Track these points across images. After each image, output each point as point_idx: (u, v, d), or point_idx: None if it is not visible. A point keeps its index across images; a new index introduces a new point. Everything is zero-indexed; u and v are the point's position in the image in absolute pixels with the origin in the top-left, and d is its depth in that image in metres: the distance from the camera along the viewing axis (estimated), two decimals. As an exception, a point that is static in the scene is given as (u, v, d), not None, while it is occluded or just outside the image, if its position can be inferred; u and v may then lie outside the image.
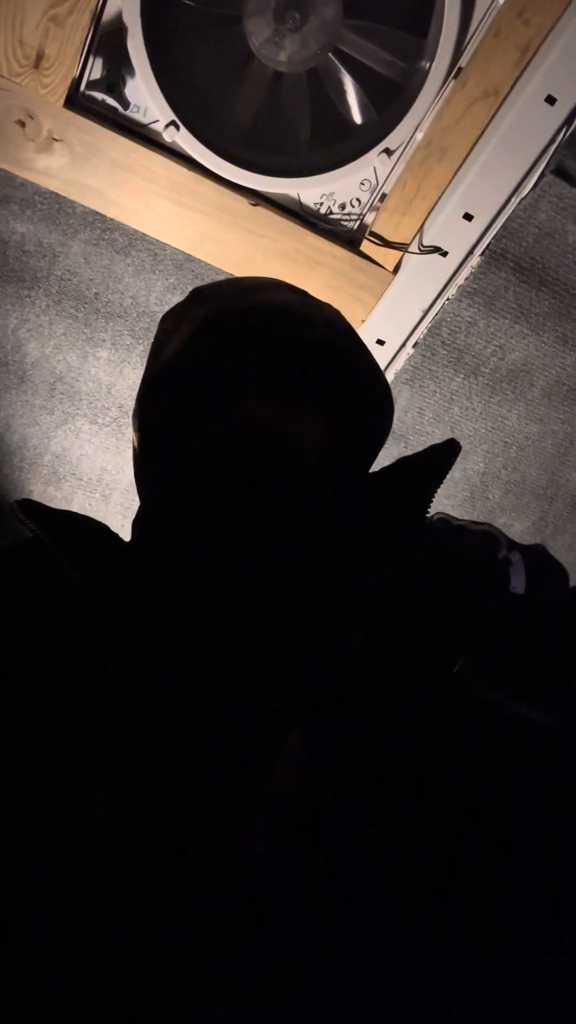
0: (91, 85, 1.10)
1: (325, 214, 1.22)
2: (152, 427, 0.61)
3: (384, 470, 0.61)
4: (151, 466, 0.62)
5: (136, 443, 0.63)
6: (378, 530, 0.57)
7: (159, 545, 0.57)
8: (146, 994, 0.46)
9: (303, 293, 0.65)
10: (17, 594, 0.60)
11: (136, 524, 0.60)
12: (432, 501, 0.58)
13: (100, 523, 0.60)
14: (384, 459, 0.64)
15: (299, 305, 0.61)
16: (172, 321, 0.64)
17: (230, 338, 0.58)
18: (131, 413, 0.63)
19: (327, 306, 0.64)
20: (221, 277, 1.32)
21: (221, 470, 0.54)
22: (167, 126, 1.10)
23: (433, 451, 0.59)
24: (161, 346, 0.63)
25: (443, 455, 0.59)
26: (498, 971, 0.48)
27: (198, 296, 0.65)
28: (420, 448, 0.61)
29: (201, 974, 0.47)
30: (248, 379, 0.56)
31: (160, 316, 0.67)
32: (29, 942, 0.47)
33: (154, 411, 0.61)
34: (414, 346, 1.37)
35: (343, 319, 0.64)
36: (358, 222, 1.23)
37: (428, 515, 0.62)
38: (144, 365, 0.67)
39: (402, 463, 0.60)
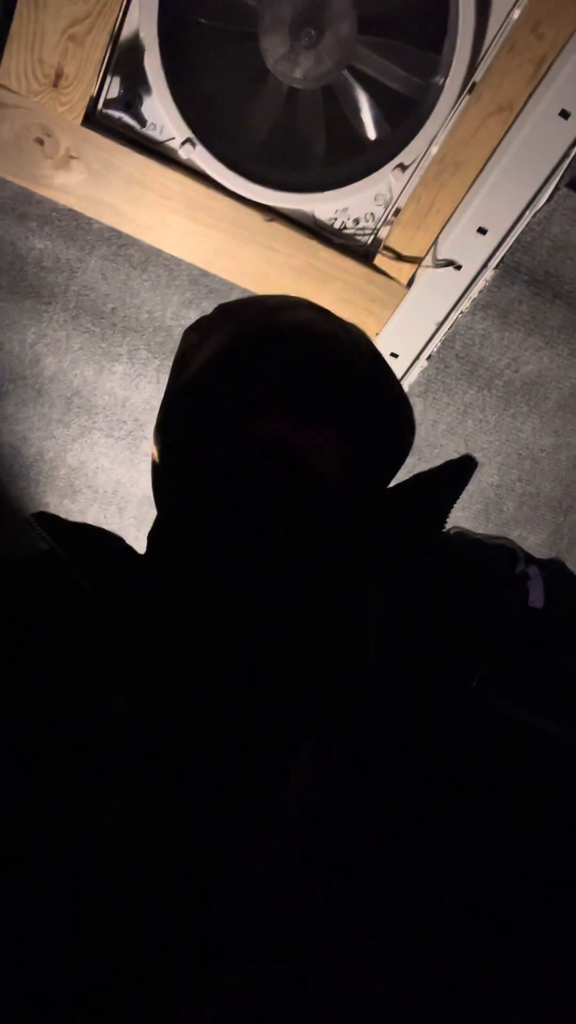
0: (108, 103, 1.11)
1: (339, 229, 1.23)
2: (173, 440, 0.62)
3: (400, 485, 0.61)
4: (170, 479, 0.63)
5: (156, 455, 0.64)
6: (392, 544, 0.57)
7: (174, 556, 0.57)
8: (155, 1008, 0.46)
9: (328, 313, 0.66)
10: (31, 605, 0.60)
11: (152, 535, 0.60)
12: (448, 516, 0.58)
13: (115, 535, 0.61)
14: (400, 473, 0.64)
15: (324, 324, 0.62)
16: (197, 336, 0.65)
17: (253, 356, 0.58)
18: (148, 426, 0.64)
19: (353, 327, 0.65)
20: (236, 292, 1.33)
21: (234, 486, 0.54)
22: (183, 143, 1.11)
23: (449, 466, 0.59)
24: (185, 361, 0.64)
25: (459, 471, 0.59)
26: (513, 982, 0.47)
27: (224, 312, 0.66)
28: (434, 460, 0.62)
29: (213, 986, 0.46)
30: (268, 396, 0.56)
31: (177, 330, 0.68)
32: (38, 956, 0.47)
33: (176, 425, 0.62)
34: (428, 359, 1.37)
35: (368, 340, 0.65)
36: (372, 236, 1.24)
37: (445, 529, 0.62)
38: (162, 379, 0.68)
39: (418, 478, 0.60)
